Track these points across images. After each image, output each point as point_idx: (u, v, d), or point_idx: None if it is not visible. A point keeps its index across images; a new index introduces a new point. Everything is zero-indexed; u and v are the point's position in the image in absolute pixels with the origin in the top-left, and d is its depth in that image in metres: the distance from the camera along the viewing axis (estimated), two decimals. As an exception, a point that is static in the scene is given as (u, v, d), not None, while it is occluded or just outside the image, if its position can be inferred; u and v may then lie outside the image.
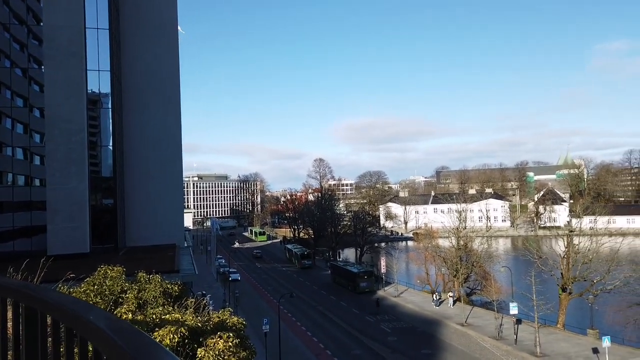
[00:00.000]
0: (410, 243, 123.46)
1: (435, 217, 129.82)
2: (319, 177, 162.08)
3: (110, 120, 39.30)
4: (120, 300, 11.58)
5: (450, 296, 50.86)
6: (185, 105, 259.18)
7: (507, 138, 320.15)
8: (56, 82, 35.69)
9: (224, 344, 7.18)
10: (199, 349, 7.23)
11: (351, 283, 63.44)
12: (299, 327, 46.28)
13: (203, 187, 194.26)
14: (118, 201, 39.52)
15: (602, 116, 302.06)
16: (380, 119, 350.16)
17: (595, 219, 54.98)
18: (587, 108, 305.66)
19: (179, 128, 44.33)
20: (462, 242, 58.68)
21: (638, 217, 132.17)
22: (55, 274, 11.79)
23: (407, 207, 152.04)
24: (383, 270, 66.63)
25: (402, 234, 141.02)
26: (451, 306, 49.78)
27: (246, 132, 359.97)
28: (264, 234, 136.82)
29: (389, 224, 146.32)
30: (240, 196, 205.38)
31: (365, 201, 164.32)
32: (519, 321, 41.32)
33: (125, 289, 12.03)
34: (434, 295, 52.61)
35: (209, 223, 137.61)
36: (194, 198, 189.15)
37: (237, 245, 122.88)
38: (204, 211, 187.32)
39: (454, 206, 68.72)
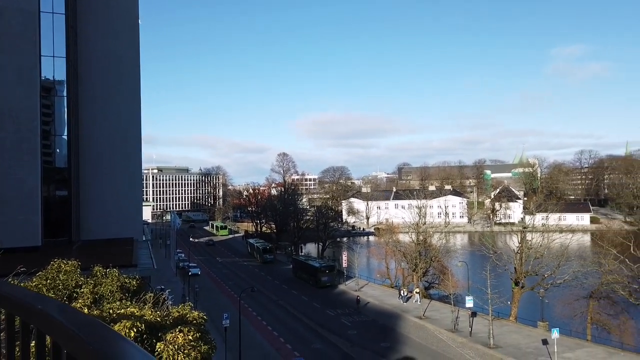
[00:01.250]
0: (371, 238, 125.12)
1: (396, 212, 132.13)
2: (282, 171, 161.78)
3: (66, 109, 37.73)
4: (74, 295, 11.21)
5: (417, 292, 51.47)
6: (145, 95, 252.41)
7: (467, 137, 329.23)
8: (7, 68, 33.92)
9: (184, 338, 7.09)
10: (158, 344, 7.11)
11: (313, 277, 63.73)
12: (260, 321, 46.15)
13: (163, 180, 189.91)
14: (73, 193, 38.08)
15: (556, 118, 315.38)
16: (344, 115, 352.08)
17: (547, 216, 57.35)
18: (542, 110, 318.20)
19: (139, 119, 43.09)
20: (421, 237, 60.01)
21: (587, 215, 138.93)
22: (4, 267, 11.29)
23: (369, 202, 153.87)
24: (345, 264, 67.29)
25: (363, 229, 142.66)
26: (418, 302, 49.93)
27: (208, 125, 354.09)
28: (225, 228, 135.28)
29: (351, 219, 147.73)
30: (202, 189, 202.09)
31: (328, 196, 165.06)
32: (474, 314, 42.72)
33: (81, 283, 11.65)
34: (402, 292, 52.92)
35: (169, 217, 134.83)
36: (153, 191, 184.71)
37: (202, 240, 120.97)
38: (163, 204, 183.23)
39: (414, 202, 70.17)
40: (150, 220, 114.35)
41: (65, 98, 37.57)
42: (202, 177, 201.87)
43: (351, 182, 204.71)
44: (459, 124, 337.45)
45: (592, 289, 42.47)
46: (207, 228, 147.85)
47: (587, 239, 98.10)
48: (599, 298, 42.33)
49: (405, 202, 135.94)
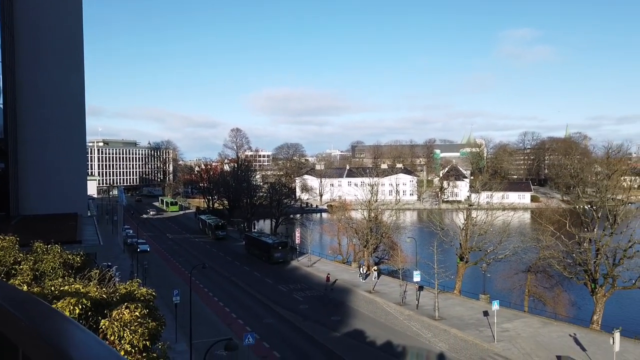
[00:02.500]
0: (324, 215, 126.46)
1: (349, 190, 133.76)
2: (235, 147, 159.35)
3: (0, 76, 35.19)
4: (13, 272, 10.66)
5: (375, 270, 52.11)
6: (89, 64, 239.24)
7: (419, 117, 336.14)
8: None
9: (131, 314, 6.91)
10: (102, 321, 6.90)
11: (265, 254, 63.84)
12: (211, 298, 45.93)
13: (109, 154, 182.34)
14: (10, 165, 35.91)
15: (503, 100, 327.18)
16: (299, 91, 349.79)
17: (492, 195, 59.96)
18: (491, 92, 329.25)
19: (82, 88, 40.87)
20: (373, 215, 61.23)
21: (528, 194, 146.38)
22: None
23: (323, 179, 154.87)
24: (297, 241, 67.74)
25: (317, 206, 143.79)
26: (376, 279, 50.54)
27: (158, 98, 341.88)
28: (176, 204, 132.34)
29: (304, 196, 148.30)
30: (151, 164, 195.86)
31: (282, 173, 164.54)
32: (421, 288, 44.39)
33: (19, 259, 11.09)
34: (361, 269, 52.97)
35: (115, 192, 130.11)
36: (99, 165, 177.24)
37: (146, 215, 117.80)
38: (110, 179, 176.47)
39: (367, 180, 71.23)
40: (96, 196, 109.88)
41: (0, 64, 35.01)
42: (151, 151, 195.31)
43: (305, 159, 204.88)
44: (412, 104, 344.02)
45: (530, 264, 45.09)
46: (156, 204, 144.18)
47: (527, 216, 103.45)
48: (536, 272, 45.03)
49: (358, 180, 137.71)
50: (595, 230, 40.41)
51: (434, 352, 31.83)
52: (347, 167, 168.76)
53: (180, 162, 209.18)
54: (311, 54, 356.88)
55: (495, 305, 34.11)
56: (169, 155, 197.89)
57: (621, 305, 45.46)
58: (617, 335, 26.34)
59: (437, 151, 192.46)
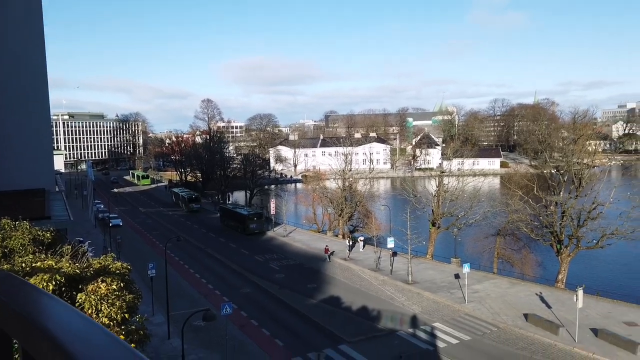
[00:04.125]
0: (299, 185, 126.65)
1: (323, 159, 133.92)
2: (207, 118, 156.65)
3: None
4: (-20, 250, 10.37)
5: (360, 240, 52.33)
6: (50, 34, 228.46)
7: (392, 85, 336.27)
8: None
9: (107, 288, 6.88)
10: (78, 295, 6.84)
11: (241, 225, 63.86)
12: (187, 270, 45.93)
13: (75, 127, 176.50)
14: (-30, 141, 34.38)
15: (474, 67, 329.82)
16: (271, 59, 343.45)
17: (463, 162, 61.00)
18: (463, 59, 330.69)
19: (43, 55, 38.92)
20: (347, 184, 61.71)
21: (497, 160, 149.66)
22: None
23: (297, 150, 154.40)
24: (273, 211, 67.90)
25: (291, 176, 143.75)
26: (362, 250, 50.65)
27: (125, 68, 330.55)
28: (147, 177, 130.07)
29: (279, 167, 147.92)
30: (120, 137, 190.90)
31: (255, 144, 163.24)
32: (395, 254, 45.39)
33: (-14, 237, 10.77)
34: (347, 240, 52.53)
35: (84, 166, 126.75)
36: (65, 139, 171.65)
37: (117, 190, 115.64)
38: (77, 153, 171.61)
39: (340, 149, 71.28)
40: (63, 170, 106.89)
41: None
42: (119, 124, 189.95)
43: (279, 130, 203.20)
44: (385, 72, 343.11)
45: (499, 227, 46.57)
46: (127, 177, 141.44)
47: (497, 182, 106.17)
48: (505, 235, 46.60)
49: (332, 150, 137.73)
50: (561, 193, 41.81)
51: (408, 314, 32.88)
52: (321, 137, 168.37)
53: (151, 135, 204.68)
54: (284, 21, 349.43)
55: (466, 268, 35.23)
56: (138, 127, 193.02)
57: (584, 265, 47.67)
58: (580, 292, 27.69)
59: (410, 119, 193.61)
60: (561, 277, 39.27)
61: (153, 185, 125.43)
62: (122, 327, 6.71)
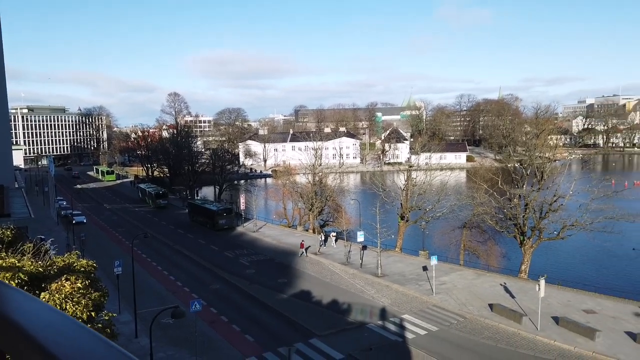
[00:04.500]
0: (269, 180, 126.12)
1: (293, 154, 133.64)
2: (174, 112, 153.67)
3: None
4: None
5: (333, 235, 51.97)
6: (5, 20, 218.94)
7: (361, 80, 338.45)
8: None
9: (72, 286, 6.70)
10: (42, 294, 6.64)
11: (210, 221, 63.12)
12: (155, 267, 45.13)
13: (35, 121, 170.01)
14: None
15: (442, 62, 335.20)
16: (240, 52, 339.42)
17: (430, 156, 62.08)
18: (431, 54, 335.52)
19: (0, 45, 37.34)
20: (317, 178, 61.85)
21: (463, 154, 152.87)
22: None
23: (267, 144, 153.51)
24: (242, 207, 67.39)
25: (261, 171, 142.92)
26: (334, 245, 50.41)
27: (87, 59, 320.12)
28: (112, 173, 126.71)
29: (248, 162, 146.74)
30: (83, 132, 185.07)
31: (224, 139, 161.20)
32: (364, 247, 45.88)
33: (-59, 236, 10.29)
34: (320, 236, 52.41)
35: (45, 161, 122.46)
36: (24, 133, 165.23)
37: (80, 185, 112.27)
38: (38, 148, 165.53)
39: (310, 144, 71.38)
40: (22, 166, 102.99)
41: None
42: (82, 118, 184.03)
43: (248, 124, 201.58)
44: (355, 66, 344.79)
45: (465, 220, 47.68)
46: (91, 173, 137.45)
47: (463, 175, 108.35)
48: (471, 228, 47.76)
49: (302, 144, 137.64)
50: (524, 186, 43.10)
51: (377, 307, 33.34)
52: (291, 132, 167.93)
53: (115, 129, 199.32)
54: (253, 14, 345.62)
55: (434, 261, 35.95)
56: (102, 122, 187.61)
57: (546, 255, 49.41)
58: (542, 282, 28.71)
59: (379, 114, 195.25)
60: (524, 268, 40.57)
61: (118, 181, 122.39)
62: (89, 326, 6.55)
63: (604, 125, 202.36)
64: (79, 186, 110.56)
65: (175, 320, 23.78)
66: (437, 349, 26.40)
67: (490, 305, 32.09)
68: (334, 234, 52.22)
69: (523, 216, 40.90)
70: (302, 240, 49.69)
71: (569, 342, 26.58)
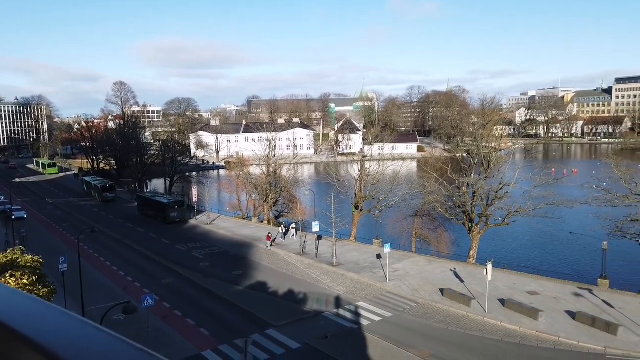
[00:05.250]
0: (222, 172, 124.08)
1: (246, 145, 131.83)
2: (120, 102, 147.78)
3: None
4: None
5: (293, 227, 51.45)
6: None
7: (314, 70, 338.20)
8: None
9: (17, 282, 6.32)
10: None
11: (161, 214, 61.45)
12: (104, 262, 43.50)
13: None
14: None
15: (393, 54, 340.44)
16: (190, 41, 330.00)
17: (383, 146, 63.16)
18: (382, 46, 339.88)
19: None
20: (271, 169, 61.47)
21: (414, 144, 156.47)
22: None
23: (219, 136, 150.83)
24: (195, 199, 66.01)
25: (214, 162, 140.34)
26: (294, 237, 49.79)
27: (23, 45, 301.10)
28: (54, 165, 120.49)
29: (200, 153, 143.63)
30: (21, 122, 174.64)
31: (174, 130, 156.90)
32: (320, 237, 46.15)
33: None
34: (280, 228, 51.63)
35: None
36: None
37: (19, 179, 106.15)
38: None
39: (264, 135, 70.61)
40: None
41: None
42: (19, 108, 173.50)
43: (199, 115, 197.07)
44: (308, 56, 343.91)
45: (417, 209, 48.97)
46: (31, 166, 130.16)
47: (414, 165, 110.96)
48: (422, 216, 49.13)
49: (255, 135, 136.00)
50: (472, 175, 44.72)
51: (333, 295, 33.72)
52: (244, 123, 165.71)
53: (57, 120, 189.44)
54: (204, 1, 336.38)
55: (387, 249, 36.69)
56: (42, 112, 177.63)
57: (493, 241, 51.63)
58: (489, 266, 29.97)
59: (332, 105, 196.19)
60: (472, 253, 42.22)
61: (61, 174, 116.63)
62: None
63: (544, 117, 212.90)
64: (18, 180, 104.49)
65: (127, 316, 23.05)
66: (391, 334, 27.06)
67: (441, 290, 33.19)
68: (294, 225, 51.92)
69: (471, 204, 42.45)
70: (269, 233, 48.66)
71: (514, 323, 27.97)
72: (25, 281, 6.10)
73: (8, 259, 8.23)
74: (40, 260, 8.76)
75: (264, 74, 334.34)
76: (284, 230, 50.54)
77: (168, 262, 43.25)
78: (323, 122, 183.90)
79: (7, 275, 6.18)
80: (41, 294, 6.18)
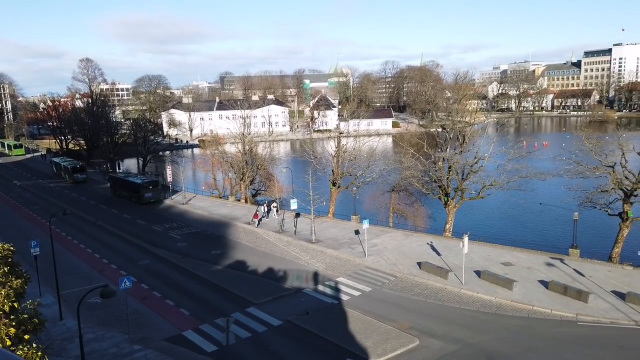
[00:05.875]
0: (196, 150, 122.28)
1: (220, 123, 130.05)
2: (87, 80, 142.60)
3: None
4: None
5: (274, 207, 51.16)
6: None
7: (287, 46, 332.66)
8: None
9: (-12, 275, 5.98)
10: (-48, 286, 5.86)
11: (135, 195, 60.30)
12: (77, 245, 42.57)
13: None
14: None
15: (367, 29, 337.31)
16: (158, 15, 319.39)
17: (359, 122, 62.95)
18: (356, 20, 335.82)
19: None
20: (247, 147, 60.73)
21: (389, 120, 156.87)
22: None
23: (192, 113, 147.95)
24: (169, 179, 64.92)
25: (187, 141, 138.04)
26: (275, 216, 49.14)
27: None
28: (20, 146, 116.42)
29: (173, 132, 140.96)
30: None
31: (145, 108, 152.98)
32: (298, 215, 46.11)
33: None
34: (262, 208, 50.62)
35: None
36: None
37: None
38: None
39: (238, 112, 69.63)
40: None
41: None
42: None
43: (170, 92, 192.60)
44: (280, 31, 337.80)
45: (394, 184, 49.35)
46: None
47: (390, 141, 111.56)
48: (399, 191, 49.56)
49: (229, 113, 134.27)
50: (447, 150, 45.15)
51: (312, 272, 33.91)
52: (217, 100, 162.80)
53: (21, 99, 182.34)
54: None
55: (365, 224, 36.95)
56: (4, 91, 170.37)
57: (468, 214, 52.62)
58: (465, 239, 30.53)
59: (307, 81, 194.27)
60: (448, 227, 42.96)
61: (28, 155, 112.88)
62: (12, 317, 5.91)
63: (516, 91, 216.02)
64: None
65: (105, 299, 22.64)
66: (371, 308, 27.46)
67: (419, 264, 33.75)
68: (275, 204, 51.51)
69: (447, 178, 42.97)
70: (257, 211, 48.36)
71: (490, 294, 28.72)
72: (-4, 273, 5.80)
73: (-24, 248, 7.82)
74: (12, 248, 8.34)
75: (235, 50, 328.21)
76: (266, 210, 49.96)
77: (144, 243, 42.62)
78: (298, 98, 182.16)
79: (-24, 267, 5.85)
80: (14, 286, 5.89)
